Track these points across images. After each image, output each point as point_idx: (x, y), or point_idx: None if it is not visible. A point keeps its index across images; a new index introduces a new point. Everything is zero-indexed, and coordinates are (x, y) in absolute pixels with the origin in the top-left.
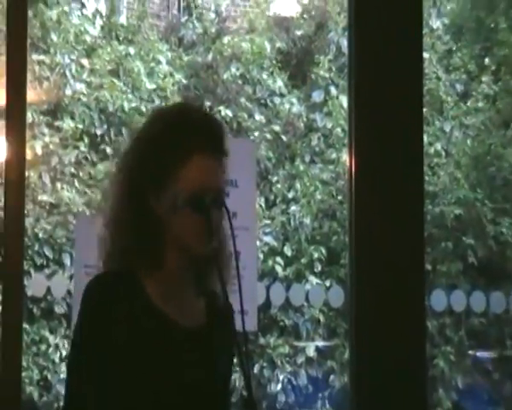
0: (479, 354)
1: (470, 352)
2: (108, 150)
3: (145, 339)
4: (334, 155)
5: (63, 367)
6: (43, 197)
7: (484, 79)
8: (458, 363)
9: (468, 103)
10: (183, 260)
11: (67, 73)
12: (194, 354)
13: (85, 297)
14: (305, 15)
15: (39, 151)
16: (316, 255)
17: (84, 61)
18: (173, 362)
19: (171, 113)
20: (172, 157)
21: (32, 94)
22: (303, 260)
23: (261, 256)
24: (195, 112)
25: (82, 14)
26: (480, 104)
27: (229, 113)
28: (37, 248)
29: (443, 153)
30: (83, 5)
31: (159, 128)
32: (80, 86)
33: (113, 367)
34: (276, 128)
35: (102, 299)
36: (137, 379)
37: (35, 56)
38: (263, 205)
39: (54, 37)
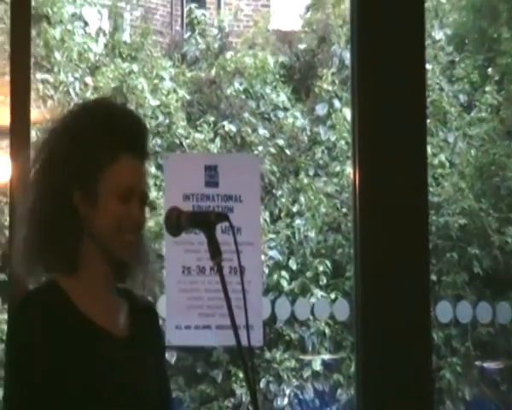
0: (486, 365)
1: (477, 363)
2: None
3: (79, 352)
4: (338, 168)
5: None
6: None
7: (487, 89)
8: (465, 374)
9: (472, 114)
10: (106, 265)
11: (71, 91)
12: (125, 357)
13: (14, 328)
14: (307, 29)
15: None
16: (321, 269)
17: (88, 80)
18: (108, 369)
19: (98, 110)
20: (99, 156)
21: (37, 113)
22: (308, 274)
23: (266, 270)
24: (122, 112)
25: (85, 32)
26: (484, 114)
27: (233, 128)
28: None
29: (447, 163)
30: (86, 23)
31: (85, 125)
32: None
33: (54, 387)
34: (280, 142)
35: (32, 326)
36: (76, 393)
37: (39, 75)
38: (267, 219)
39: (57, 55)
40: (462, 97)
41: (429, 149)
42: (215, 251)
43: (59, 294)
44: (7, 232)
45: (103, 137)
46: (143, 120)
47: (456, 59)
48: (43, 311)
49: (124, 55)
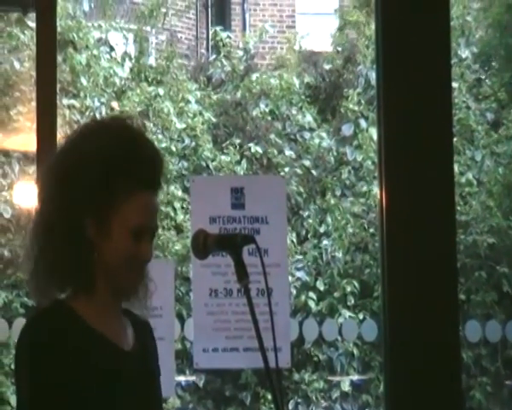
0: None
1: (507, 382)
2: None
3: (96, 368)
4: (364, 188)
5: None
6: None
7: None
8: (495, 394)
9: (499, 131)
10: (113, 293)
11: (98, 116)
12: (135, 370)
13: (28, 346)
14: (333, 50)
15: None
16: (348, 289)
17: (114, 104)
18: (120, 381)
19: (120, 136)
20: (117, 188)
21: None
22: (336, 294)
23: (294, 292)
24: (143, 142)
25: (111, 57)
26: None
27: (259, 149)
28: None
29: (474, 182)
30: (112, 48)
31: (104, 151)
32: None
33: (69, 399)
34: (307, 163)
35: (47, 342)
36: (90, 404)
37: (65, 101)
38: (294, 240)
39: (83, 80)
40: (489, 115)
41: (456, 168)
42: (242, 273)
43: (69, 311)
44: None
45: (123, 167)
46: (160, 151)
47: (483, 77)
48: (55, 326)
49: (149, 79)
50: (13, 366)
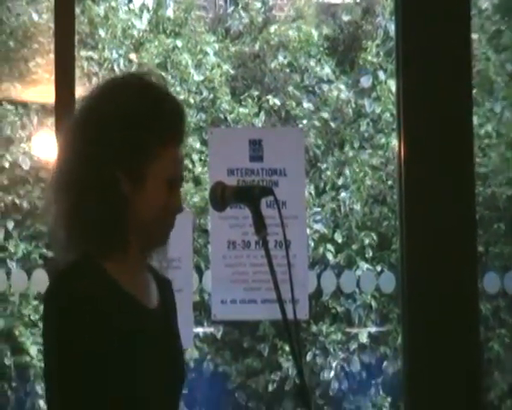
0: None
1: None
2: None
3: (123, 330)
4: (383, 141)
5: None
6: None
7: None
8: None
9: None
10: (144, 246)
11: (116, 68)
12: (161, 328)
13: (57, 310)
14: (351, 1)
15: None
16: (367, 241)
17: (132, 56)
18: (147, 344)
19: (148, 96)
20: (150, 141)
21: (81, 90)
22: (354, 247)
23: (312, 244)
24: (167, 96)
25: (129, 8)
26: None
27: (277, 101)
28: None
29: (494, 134)
30: (130, 0)
31: (134, 105)
32: None
33: (107, 362)
34: (325, 115)
35: (77, 296)
36: (121, 363)
37: (83, 53)
38: (312, 192)
39: (101, 32)
40: (509, 66)
41: (475, 120)
42: (260, 225)
43: (99, 271)
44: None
45: (153, 122)
46: (183, 104)
47: (503, 28)
48: (85, 289)
49: (167, 31)
50: (32, 317)
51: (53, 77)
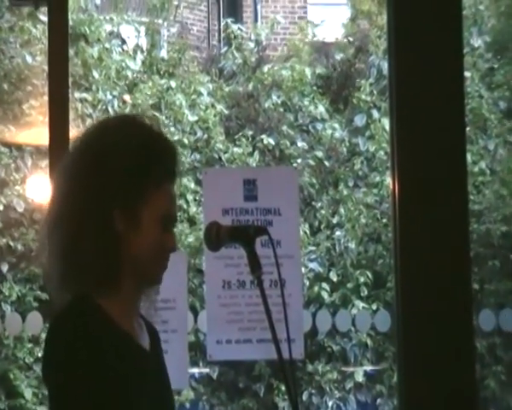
0: None
1: None
2: None
3: (127, 367)
4: (377, 179)
5: None
6: None
7: None
8: (509, 383)
9: None
10: (138, 286)
11: (110, 109)
12: (155, 370)
13: (63, 348)
14: (344, 40)
15: None
16: (362, 280)
17: (126, 97)
18: (151, 385)
19: (139, 132)
20: (144, 181)
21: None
22: (349, 285)
23: (307, 283)
24: (162, 137)
25: (123, 50)
26: None
27: (272, 141)
28: None
29: (487, 171)
30: (123, 41)
31: (135, 145)
32: None
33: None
34: (319, 154)
35: (80, 335)
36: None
37: (77, 94)
38: (307, 231)
39: (95, 74)
40: (502, 104)
41: (469, 157)
42: (255, 265)
43: (97, 309)
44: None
45: (147, 163)
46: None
47: (496, 66)
48: (89, 326)
49: (161, 72)
50: (27, 360)
51: (47, 119)
